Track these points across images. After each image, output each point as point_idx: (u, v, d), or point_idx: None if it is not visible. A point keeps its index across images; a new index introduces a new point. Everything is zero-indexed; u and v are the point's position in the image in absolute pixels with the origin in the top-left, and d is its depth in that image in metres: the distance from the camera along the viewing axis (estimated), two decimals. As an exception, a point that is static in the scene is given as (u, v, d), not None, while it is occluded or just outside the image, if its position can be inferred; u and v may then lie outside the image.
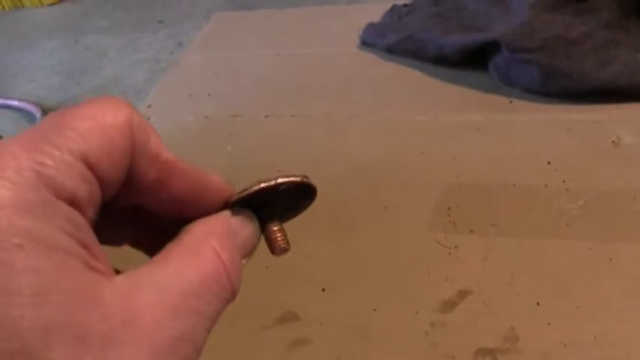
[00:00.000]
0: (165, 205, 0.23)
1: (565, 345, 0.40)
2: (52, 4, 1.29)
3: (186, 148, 0.65)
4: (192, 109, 0.72)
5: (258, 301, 0.47)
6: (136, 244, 0.26)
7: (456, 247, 0.48)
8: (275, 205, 0.25)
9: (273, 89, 0.73)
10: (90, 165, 0.18)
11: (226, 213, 0.23)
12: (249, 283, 0.48)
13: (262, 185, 0.23)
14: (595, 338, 0.40)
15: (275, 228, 0.25)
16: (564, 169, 0.53)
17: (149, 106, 0.74)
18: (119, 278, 0.19)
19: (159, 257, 0.21)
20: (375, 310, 0.45)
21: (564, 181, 0.52)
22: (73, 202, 0.18)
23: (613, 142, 0.55)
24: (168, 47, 1.00)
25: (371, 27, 0.78)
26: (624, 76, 0.60)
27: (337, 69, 0.75)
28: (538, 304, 0.43)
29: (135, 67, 0.96)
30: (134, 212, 0.24)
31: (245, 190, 0.23)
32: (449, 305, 0.44)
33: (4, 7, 1.31)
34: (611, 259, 0.45)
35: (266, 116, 0.67)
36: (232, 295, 0.22)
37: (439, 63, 0.70)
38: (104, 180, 0.19)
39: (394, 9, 0.81)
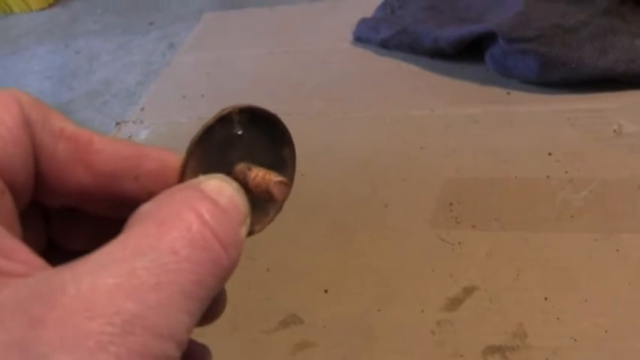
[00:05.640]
0: (98, 192, 0.19)
1: (575, 340, 0.39)
2: (41, 9, 1.27)
3: (181, 150, 0.64)
4: (186, 110, 0.71)
5: (260, 304, 0.46)
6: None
7: (459, 243, 0.47)
8: (240, 154, 0.21)
9: (267, 88, 0.72)
10: None
11: (195, 181, 0.20)
12: (250, 287, 0.48)
13: (212, 121, 0.21)
14: (606, 332, 0.39)
15: (256, 173, 0.21)
16: (566, 160, 0.53)
17: (142, 109, 0.73)
18: (46, 274, 0.15)
19: (118, 237, 0.17)
20: (379, 310, 0.44)
21: (567, 172, 0.51)
22: None
23: (615, 130, 0.54)
24: (159, 49, 0.99)
25: (364, 22, 0.77)
26: (622, 63, 0.59)
27: (331, 66, 0.74)
28: (546, 298, 0.42)
29: (127, 70, 0.95)
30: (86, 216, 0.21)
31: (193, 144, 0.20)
32: (455, 303, 0.43)
33: (-8, 14, 1.30)
34: (618, 250, 0.44)
35: (261, 116, 0.65)
36: (229, 263, 0.17)
37: (435, 56, 0.69)
38: (5, 173, 0.17)
39: (387, 3, 0.80)
